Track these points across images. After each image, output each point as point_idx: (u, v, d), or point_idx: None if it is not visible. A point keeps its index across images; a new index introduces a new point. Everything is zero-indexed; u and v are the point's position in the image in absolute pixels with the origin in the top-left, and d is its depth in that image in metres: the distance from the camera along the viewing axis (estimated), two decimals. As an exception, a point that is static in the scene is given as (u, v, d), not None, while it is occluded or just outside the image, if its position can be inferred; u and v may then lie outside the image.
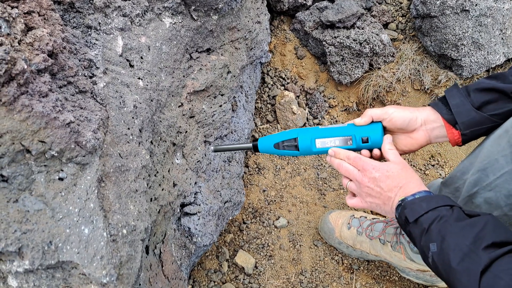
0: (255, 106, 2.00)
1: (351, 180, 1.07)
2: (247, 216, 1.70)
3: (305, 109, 2.03)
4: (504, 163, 0.94)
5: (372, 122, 1.08)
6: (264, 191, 1.79)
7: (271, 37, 2.08)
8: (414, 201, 0.91)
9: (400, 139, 1.09)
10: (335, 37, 1.92)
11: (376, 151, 1.07)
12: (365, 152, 1.08)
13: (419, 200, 0.91)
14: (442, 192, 1.21)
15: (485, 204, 1.02)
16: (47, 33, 0.86)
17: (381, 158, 1.08)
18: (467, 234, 0.80)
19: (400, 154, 1.06)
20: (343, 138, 1.10)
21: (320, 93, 2.05)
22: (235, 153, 1.61)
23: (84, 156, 0.82)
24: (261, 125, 1.99)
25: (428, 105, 1.07)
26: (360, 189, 1.03)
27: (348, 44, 1.89)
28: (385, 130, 1.09)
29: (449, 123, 1.02)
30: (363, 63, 1.95)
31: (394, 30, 2.07)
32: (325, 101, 2.04)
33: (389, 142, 1.05)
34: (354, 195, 1.09)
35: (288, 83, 2.05)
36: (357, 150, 1.10)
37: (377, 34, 1.92)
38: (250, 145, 1.20)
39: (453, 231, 0.82)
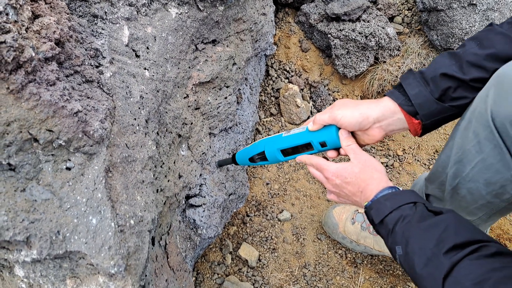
0: (259, 99, 1.99)
1: None
2: (250, 209, 1.70)
3: (309, 103, 2.02)
4: (475, 152, 0.94)
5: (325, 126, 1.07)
6: (267, 184, 1.78)
7: (275, 30, 2.06)
8: (379, 201, 0.91)
9: (357, 135, 1.07)
10: (340, 30, 1.90)
11: (341, 150, 1.07)
12: (332, 153, 1.09)
13: (383, 199, 0.91)
14: (428, 188, 1.20)
15: (469, 195, 1.01)
16: (54, 21, 0.85)
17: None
18: (430, 236, 0.79)
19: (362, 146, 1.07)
20: (304, 145, 1.11)
21: (325, 86, 2.04)
22: (240, 145, 1.60)
23: (91, 146, 0.81)
24: (264, 118, 1.98)
25: (384, 95, 1.03)
26: (331, 190, 1.07)
27: (353, 37, 1.87)
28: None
29: (409, 114, 0.98)
30: (368, 57, 1.93)
31: (400, 24, 2.06)
32: (329, 94, 2.03)
33: (346, 138, 1.03)
34: None
35: (292, 76, 2.04)
36: (320, 152, 1.13)
37: (382, 28, 1.91)
38: (230, 159, 1.34)
39: (416, 234, 0.81)
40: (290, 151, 1.14)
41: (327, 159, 1.10)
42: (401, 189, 0.95)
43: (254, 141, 1.87)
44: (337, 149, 1.08)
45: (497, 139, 0.89)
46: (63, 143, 0.76)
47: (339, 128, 1.05)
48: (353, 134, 1.06)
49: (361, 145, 1.07)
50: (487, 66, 0.92)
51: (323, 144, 1.07)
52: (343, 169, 1.01)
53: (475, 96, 0.93)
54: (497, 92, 0.86)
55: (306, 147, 1.11)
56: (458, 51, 0.96)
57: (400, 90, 1.00)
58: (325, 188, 1.78)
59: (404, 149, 1.94)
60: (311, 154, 1.11)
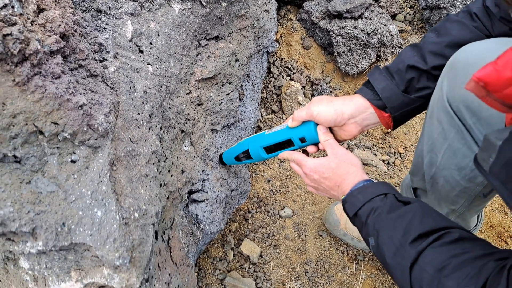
0: (261, 96, 1.99)
1: None
2: (252, 205, 1.70)
3: (310, 100, 2.02)
4: (442, 140, 0.96)
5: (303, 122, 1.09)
6: (269, 181, 1.78)
7: (277, 27, 2.07)
8: (352, 194, 0.94)
9: (334, 131, 1.09)
10: (342, 27, 1.91)
11: (319, 145, 1.10)
12: (311, 148, 1.11)
13: (357, 192, 0.94)
14: (413, 182, 1.23)
15: (446, 183, 1.03)
16: (58, 15, 0.86)
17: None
18: (397, 227, 0.82)
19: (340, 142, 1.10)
20: (285, 142, 1.13)
21: (326, 83, 2.04)
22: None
23: (96, 139, 0.81)
24: (266, 115, 1.99)
25: (355, 92, 1.06)
26: (309, 184, 1.10)
27: (355, 34, 1.87)
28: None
29: (378, 108, 1.01)
30: (370, 54, 1.94)
31: (402, 21, 2.06)
32: (331, 91, 2.03)
33: (323, 133, 1.06)
34: None
35: (294, 73, 2.04)
36: (302, 148, 1.15)
37: (385, 25, 1.91)
38: (218, 159, 1.38)
39: (386, 225, 0.85)
40: (273, 148, 1.17)
41: (308, 154, 1.13)
42: (375, 181, 0.97)
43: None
44: (316, 144, 1.11)
45: (458, 123, 0.92)
46: (68, 136, 0.77)
47: (317, 124, 1.07)
48: (331, 129, 1.09)
49: (339, 141, 1.10)
50: (447, 53, 0.95)
51: (302, 140, 1.10)
52: (320, 165, 1.04)
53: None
54: (450, 77, 0.89)
55: (287, 144, 1.14)
56: (419, 42, 1.00)
57: (368, 86, 1.02)
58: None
59: (405, 147, 1.94)
60: (293, 150, 1.14)
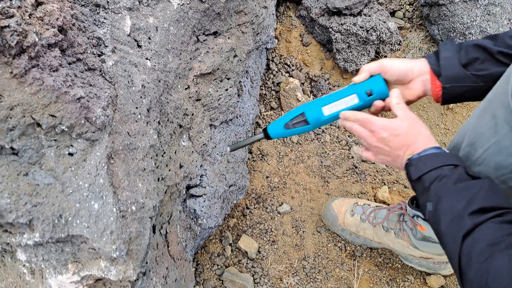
0: (260, 93, 1.99)
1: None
2: (250, 201, 1.70)
3: (309, 97, 2.03)
4: (490, 135, 0.94)
5: (371, 76, 1.08)
6: (267, 177, 1.79)
7: (276, 24, 2.07)
8: (420, 159, 0.93)
9: (398, 89, 1.08)
10: (341, 24, 1.91)
11: (387, 102, 1.07)
12: (378, 103, 1.08)
13: (425, 158, 0.93)
14: None
15: None
16: (56, 8, 0.86)
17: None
18: (461, 197, 0.82)
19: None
20: (348, 98, 1.08)
21: (325, 80, 2.04)
22: (240, 138, 1.60)
23: (93, 132, 0.82)
24: (265, 112, 1.99)
25: (423, 57, 1.07)
26: (371, 148, 1.06)
27: (354, 31, 1.87)
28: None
29: (435, 74, 1.03)
30: (369, 51, 1.94)
31: (401, 18, 2.06)
32: (330, 88, 2.03)
33: (396, 96, 1.05)
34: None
35: (293, 70, 2.04)
36: (365, 106, 1.09)
37: (384, 22, 1.91)
38: (261, 135, 1.19)
39: (449, 193, 0.84)
40: (333, 108, 1.10)
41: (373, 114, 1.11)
42: (446, 150, 0.96)
43: (254, 133, 1.88)
44: (384, 99, 1.07)
45: None
46: (66, 129, 0.77)
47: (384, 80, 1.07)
48: (393, 89, 1.08)
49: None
50: None
51: (369, 93, 1.06)
52: (392, 122, 1.02)
53: (498, 70, 0.95)
54: None
55: (350, 101, 1.08)
56: (500, 33, 1.01)
57: (436, 53, 1.04)
58: (324, 182, 1.79)
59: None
60: (357, 107, 1.09)
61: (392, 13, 2.06)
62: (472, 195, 0.81)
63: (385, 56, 1.96)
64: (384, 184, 1.78)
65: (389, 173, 1.82)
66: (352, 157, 1.86)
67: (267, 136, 1.18)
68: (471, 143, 1.00)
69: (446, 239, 0.81)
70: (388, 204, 1.66)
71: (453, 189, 0.84)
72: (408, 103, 1.11)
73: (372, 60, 1.97)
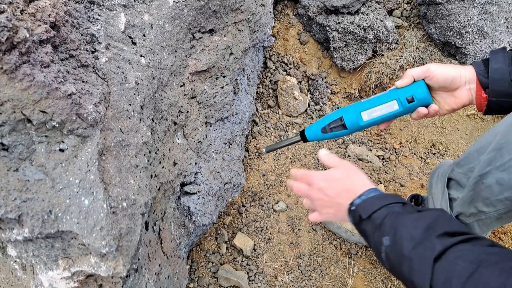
0: (257, 91, 1.99)
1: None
2: (246, 199, 1.71)
3: (307, 95, 2.03)
4: None
5: (414, 81, 1.04)
6: (264, 175, 1.79)
7: (274, 22, 2.06)
8: (367, 200, 0.91)
9: (442, 97, 1.06)
10: (339, 22, 1.90)
11: (430, 108, 1.05)
12: (422, 109, 1.04)
13: (372, 198, 0.91)
14: (454, 172, 1.18)
15: (496, 185, 1.00)
16: (49, 4, 0.86)
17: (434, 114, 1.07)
18: (420, 224, 0.79)
19: (444, 114, 1.06)
20: (388, 104, 1.06)
21: (323, 79, 2.04)
22: (236, 135, 1.60)
23: (85, 129, 0.82)
24: (262, 110, 1.99)
25: (471, 64, 1.03)
26: (313, 203, 1.03)
27: (352, 30, 1.87)
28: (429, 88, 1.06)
29: (481, 85, 0.99)
30: (366, 50, 1.93)
31: (399, 17, 2.06)
32: (327, 87, 2.03)
33: (323, 155, 1.05)
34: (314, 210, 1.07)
35: (290, 68, 2.04)
36: (405, 113, 1.07)
37: (381, 20, 1.91)
38: (298, 137, 1.18)
39: (406, 223, 0.81)
40: (372, 114, 1.08)
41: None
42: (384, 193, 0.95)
43: (251, 131, 1.88)
44: (427, 106, 1.05)
45: None
46: (57, 125, 0.77)
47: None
48: (436, 97, 1.05)
49: (446, 111, 1.06)
50: None
51: (410, 100, 1.04)
52: (327, 173, 1.01)
53: None
54: None
55: (390, 107, 1.06)
56: None
57: (485, 62, 1.00)
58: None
59: (401, 143, 1.94)
60: (397, 113, 1.07)
61: (390, 12, 2.06)
62: (430, 221, 0.79)
63: (382, 55, 1.96)
64: (381, 183, 1.78)
65: (385, 172, 1.83)
66: (349, 156, 1.86)
67: (304, 139, 1.17)
68: (499, 148, 0.97)
69: (412, 265, 0.76)
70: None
71: (408, 219, 0.82)
72: (452, 111, 1.07)
73: (369, 58, 1.97)
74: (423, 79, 1.03)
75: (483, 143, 1.05)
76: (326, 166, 1.05)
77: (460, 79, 1.01)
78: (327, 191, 0.99)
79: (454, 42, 1.85)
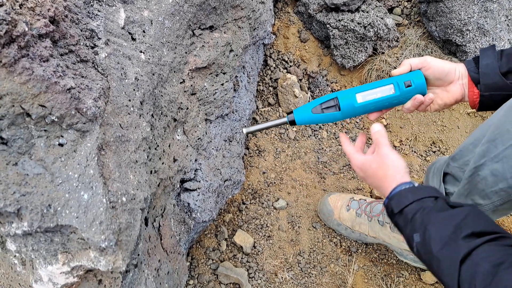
0: (257, 89, 1.99)
1: None
2: (246, 196, 1.70)
3: (307, 93, 2.02)
4: None
5: (411, 70, 1.06)
6: (264, 173, 1.79)
7: (274, 19, 2.06)
8: (400, 193, 0.93)
9: (435, 92, 1.07)
10: (339, 20, 1.90)
11: (426, 98, 1.05)
12: (419, 97, 1.04)
13: (405, 191, 0.93)
14: (449, 166, 1.19)
15: (491, 176, 1.01)
16: (48, -1, 0.86)
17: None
18: (448, 224, 0.81)
19: (438, 110, 1.08)
20: (385, 88, 1.05)
21: (323, 77, 2.04)
22: (236, 133, 1.60)
23: (84, 124, 0.82)
24: (262, 107, 1.99)
25: (462, 61, 1.06)
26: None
27: (352, 27, 1.87)
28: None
29: (473, 81, 1.01)
30: (366, 47, 1.93)
31: (399, 15, 2.06)
32: (327, 85, 2.03)
33: (376, 132, 1.05)
34: None
35: (290, 66, 2.04)
36: (401, 98, 1.06)
37: (381, 18, 1.91)
38: (285, 119, 1.11)
39: (435, 222, 0.83)
40: (367, 96, 1.06)
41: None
42: (417, 184, 0.96)
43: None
44: (423, 94, 1.05)
45: None
46: (56, 119, 0.77)
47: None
48: (431, 92, 1.06)
49: (439, 106, 1.08)
50: None
51: (408, 84, 1.03)
52: (363, 164, 1.05)
53: None
54: None
55: (386, 91, 1.05)
56: None
57: (476, 59, 1.03)
58: (321, 178, 1.79)
59: (401, 140, 1.94)
60: (392, 98, 1.05)
61: (390, 10, 2.06)
62: (459, 221, 0.81)
63: (383, 53, 1.95)
64: (381, 180, 1.77)
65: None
66: (349, 153, 1.86)
67: (292, 122, 1.10)
68: (492, 139, 0.99)
69: (441, 265, 0.80)
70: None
71: (438, 217, 0.84)
72: (444, 106, 1.09)
73: (370, 56, 1.97)
74: (420, 69, 1.05)
75: (477, 136, 1.06)
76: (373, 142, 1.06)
77: (454, 73, 1.03)
78: (367, 179, 1.06)
79: (455, 40, 1.85)
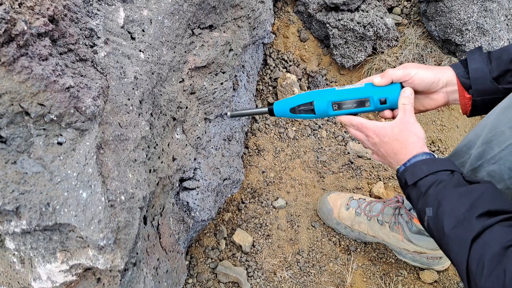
0: (257, 88, 1.99)
1: None
2: (245, 196, 1.71)
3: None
4: (510, 134, 0.92)
5: (392, 82, 1.04)
6: (263, 172, 1.79)
7: (274, 19, 2.06)
8: (416, 164, 0.91)
9: (419, 99, 1.06)
10: (339, 19, 1.90)
11: (395, 111, 1.06)
12: (387, 113, 1.07)
13: (421, 162, 0.91)
14: None
15: (488, 177, 1.01)
16: (48, -2, 0.86)
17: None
18: (464, 201, 0.80)
19: (416, 113, 1.06)
20: (360, 100, 1.06)
21: (322, 76, 2.04)
22: (235, 132, 1.60)
23: (83, 122, 0.82)
24: (262, 107, 1.99)
25: (450, 65, 1.04)
26: (372, 150, 1.08)
27: (352, 27, 1.87)
28: None
29: (463, 86, 1.00)
30: (366, 47, 1.93)
31: (399, 15, 2.06)
32: (327, 84, 2.03)
33: (406, 96, 1.02)
34: None
35: (290, 65, 2.04)
36: (375, 111, 1.08)
37: (381, 18, 1.91)
38: (266, 109, 1.18)
39: (450, 197, 0.82)
40: (342, 106, 1.09)
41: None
42: (437, 156, 0.95)
43: (251, 128, 1.88)
44: (394, 109, 1.06)
45: None
46: (55, 118, 0.77)
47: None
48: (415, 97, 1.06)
49: (419, 110, 1.08)
50: None
51: (383, 102, 1.04)
52: (383, 128, 1.01)
53: None
54: None
55: (361, 103, 1.07)
56: None
57: (463, 63, 1.01)
58: (320, 177, 1.79)
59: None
60: (366, 111, 1.08)
61: (390, 9, 2.06)
62: (475, 198, 0.79)
63: (382, 52, 1.95)
64: (380, 180, 1.78)
65: (384, 169, 1.83)
66: (348, 153, 1.86)
67: (271, 112, 1.18)
68: (488, 141, 0.98)
69: (451, 243, 0.79)
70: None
71: (453, 193, 0.82)
72: (426, 111, 1.09)
73: (369, 56, 1.97)
74: (400, 83, 1.04)
75: (471, 137, 1.06)
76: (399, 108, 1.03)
77: (438, 83, 1.02)
78: (380, 148, 1.02)
79: (454, 39, 1.85)
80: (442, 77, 1.02)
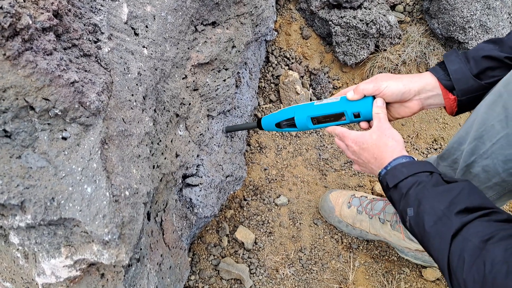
0: (259, 85, 1.99)
1: None
2: (248, 193, 1.71)
3: (309, 90, 2.02)
4: (500, 128, 0.93)
5: (365, 96, 1.09)
6: (265, 169, 1.79)
7: (276, 16, 2.06)
8: (396, 167, 0.94)
9: (393, 107, 1.10)
10: (341, 17, 1.90)
11: (371, 122, 1.10)
12: (363, 124, 1.12)
13: (401, 166, 0.93)
14: (439, 166, 1.20)
15: (483, 172, 1.02)
16: (52, -7, 0.86)
17: None
18: (443, 199, 0.82)
19: (393, 120, 1.11)
20: (337, 115, 1.13)
21: (325, 74, 2.04)
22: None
23: (88, 117, 0.82)
24: (264, 104, 1.99)
25: (427, 70, 1.06)
26: (351, 157, 1.11)
27: (354, 24, 1.87)
28: None
29: (446, 88, 1.02)
30: (369, 44, 1.93)
31: (402, 12, 2.05)
32: (329, 82, 2.03)
33: (379, 106, 1.06)
34: None
35: (292, 63, 2.04)
36: (351, 123, 1.15)
37: (384, 15, 1.91)
38: (255, 124, 1.33)
39: (430, 196, 0.84)
40: (321, 120, 1.16)
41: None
42: (416, 159, 0.97)
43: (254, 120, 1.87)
44: (369, 121, 1.11)
45: None
46: (59, 113, 0.77)
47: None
48: (388, 106, 1.10)
49: (396, 118, 1.12)
50: None
51: (356, 115, 1.10)
52: (361, 136, 1.05)
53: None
54: None
55: (337, 117, 1.13)
56: (503, 37, 1.00)
57: (442, 66, 1.03)
58: (322, 175, 1.79)
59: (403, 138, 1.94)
60: (342, 124, 1.14)
61: (393, 7, 2.05)
62: (454, 196, 0.82)
63: (385, 50, 1.95)
64: (382, 178, 1.77)
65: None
66: (350, 150, 1.86)
67: (260, 127, 1.31)
68: (479, 136, 0.99)
69: (432, 240, 0.81)
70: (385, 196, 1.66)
71: (433, 192, 0.85)
72: (401, 118, 1.13)
73: (372, 53, 1.97)
74: (372, 96, 1.08)
75: (461, 134, 1.07)
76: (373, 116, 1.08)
77: (409, 92, 1.04)
78: (360, 155, 1.06)
79: (457, 37, 1.84)
80: (413, 87, 1.04)
